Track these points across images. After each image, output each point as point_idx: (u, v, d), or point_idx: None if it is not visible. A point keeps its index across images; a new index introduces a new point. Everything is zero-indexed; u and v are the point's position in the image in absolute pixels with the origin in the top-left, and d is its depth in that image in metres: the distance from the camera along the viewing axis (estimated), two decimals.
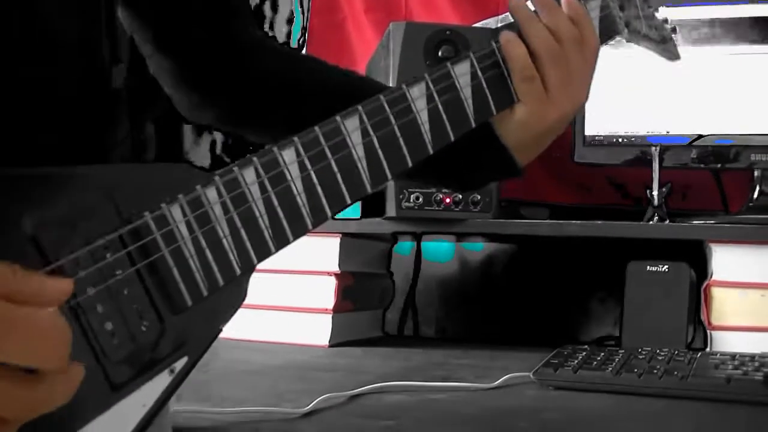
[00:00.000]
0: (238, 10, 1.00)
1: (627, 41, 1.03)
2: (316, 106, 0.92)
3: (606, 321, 1.61)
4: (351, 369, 1.30)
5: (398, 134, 0.79)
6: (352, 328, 1.61)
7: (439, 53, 1.56)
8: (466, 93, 0.84)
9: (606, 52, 1.61)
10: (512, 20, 0.90)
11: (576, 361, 1.16)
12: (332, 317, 1.53)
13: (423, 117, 0.81)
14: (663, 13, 1.06)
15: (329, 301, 1.54)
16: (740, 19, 1.55)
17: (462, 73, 0.84)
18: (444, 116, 0.82)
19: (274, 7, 2.10)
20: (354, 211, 1.60)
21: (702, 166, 1.58)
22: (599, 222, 1.46)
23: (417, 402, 1.06)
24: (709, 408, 1.03)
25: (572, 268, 1.63)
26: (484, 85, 0.85)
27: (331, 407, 1.02)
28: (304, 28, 2.06)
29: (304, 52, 2.00)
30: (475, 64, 0.85)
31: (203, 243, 0.66)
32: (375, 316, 1.74)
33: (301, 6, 2.08)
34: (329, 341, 1.52)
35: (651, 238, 1.46)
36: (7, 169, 0.59)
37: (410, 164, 0.80)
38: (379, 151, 0.77)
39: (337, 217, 1.69)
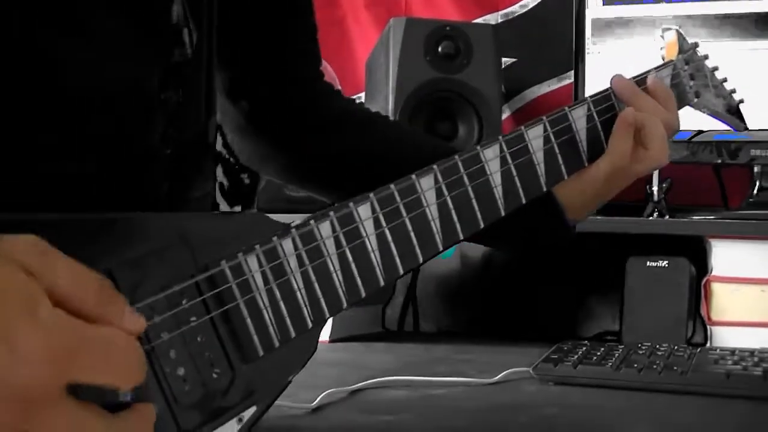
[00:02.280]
0: (312, 65, 1.01)
1: (694, 109, 1.04)
2: (381, 171, 0.93)
3: (606, 316, 1.61)
4: (352, 364, 1.31)
5: (471, 195, 0.79)
6: (352, 324, 1.61)
7: (439, 49, 1.56)
8: (539, 157, 0.85)
9: (609, 47, 1.62)
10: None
11: (576, 357, 1.16)
12: None
13: (496, 179, 0.81)
14: (731, 83, 1.07)
15: None
16: (742, 14, 1.55)
17: (535, 136, 0.85)
18: (516, 179, 0.83)
19: None
20: None
21: (702, 161, 1.58)
22: (599, 217, 1.45)
23: (418, 397, 1.06)
24: (709, 403, 1.03)
25: (572, 263, 1.63)
26: (557, 149, 0.86)
27: (334, 402, 1.03)
28: None
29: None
30: (548, 128, 0.86)
31: (278, 294, 0.66)
32: (375, 311, 1.74)
33: None
34: (330, 336, 1.52)
35: (651, 233, 1.46)
36: (87, 213, 0.59)
37: (482, 226, 0.80)
38: (453, 212, 0.77)
39: None
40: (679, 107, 0.98)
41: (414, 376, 1.14)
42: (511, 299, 1.71)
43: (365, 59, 1.85)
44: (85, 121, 0.68)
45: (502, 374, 1.15)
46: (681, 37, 1.03)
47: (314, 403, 1.01)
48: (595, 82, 1.62)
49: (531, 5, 1.90)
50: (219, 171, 2.09)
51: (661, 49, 1.03)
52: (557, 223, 0.91)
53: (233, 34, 0.92)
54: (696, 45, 1.04)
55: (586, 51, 1.63)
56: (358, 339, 1.56)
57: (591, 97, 0.91)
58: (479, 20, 1.90)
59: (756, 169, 1.56)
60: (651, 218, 1.52)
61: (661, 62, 1.01)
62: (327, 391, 1.03)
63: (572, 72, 1.67)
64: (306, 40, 1.00)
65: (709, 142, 1.56)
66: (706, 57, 1.05)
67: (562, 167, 0.87)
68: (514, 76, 1.87)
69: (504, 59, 1.78)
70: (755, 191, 1.56)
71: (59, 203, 0.64)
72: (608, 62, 1.62)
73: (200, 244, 0.63)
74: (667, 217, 1.52)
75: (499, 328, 1.68)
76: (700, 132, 1.55)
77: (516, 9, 1.91)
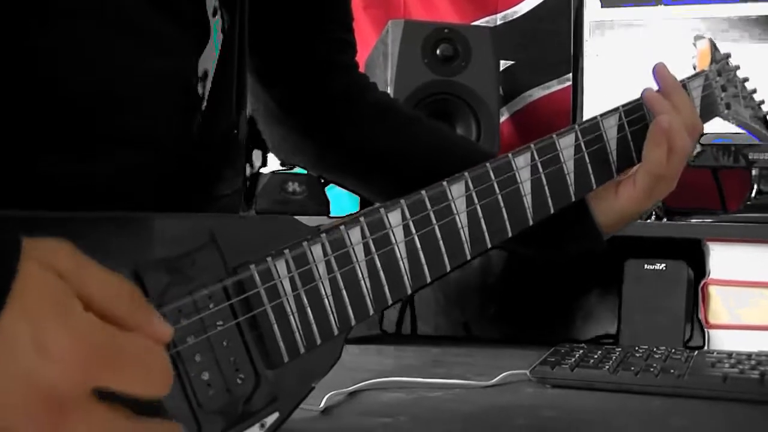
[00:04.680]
0: (348, 54, 0.99)
1: (722, 119, 1.03)
2: (401, 168, 0.93)
3: (603, 319, 1.61)
4: (349, 366, 1.29)
5: (501, 204, 0.78)
6: None
7: (437, 52, 1.56)
8: (569, 166, 0.84)
9: (607, 49, 1.62)
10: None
11: (573, 359, 1.16)
12: None
13: (526, 188, 0.81)
14: (760, 95, 1.07)
15: None
16: (740, 17, 1.55)
17: (566, 145, 0.84)
18: (546, 189, 0.82)
19: None
20: (352, 206, 1.60)
21: (700, 164, 1.58)
22: None
23: (414, 399, 1.06)
24: (706, 406, 1.03)
25: (569, 266, 1.62)
26: (587, 159, 0.86)
27: (335, 405, 1.02)
28: None
29: None
30: (580, 137, 0.85)
31: (305, 300, 0.66)
32: None
33: None
34: None
35: (649, 236, 1.45)
36: (118, 212, 0.59)
37: (510, 235, 0.79)
38: (482, 220, 0.77)
39: (334, 214, 1.69)
40: (709, 118, 0.98)
41: (411, 378, 1.14)
42: (508, 302, 1.71)
43: (363, 61, 1.85)
44: (116, 117, 0.67)
45: (500, 377, 1.14)
46: (714, 47, 1.03)
47: (321, 405, 1.00)
48: (593, 85, 1.62)
49: (529, 8, 1.90)
50: None
51: (693, 57, 1.02)
52: (590, 236, 0.91)
53: (268, 19, 0.91)
54: (728, 55, 1.03)
55: (585, 53, 1.63)
56: (355, 341, 1.55)
57: (623, 106, 0.91)
58: (478, 23, 1.90)
59: (754, 172, 1.56)
60: (649, 221, 1.52)
61: (692, 71, 1.00)
62: (329, 393, 1.03)
63: (570, 74, 1.67)
64: (342, 29, 0.99)
65: (707, 144, 1.56)
66: (737, 67, 1.04)
67: (592, 177, 0.86)
68: (512, 78, 1.87)
69: (502, 62, 1.78)
70: (753, 194, 1.56)
71: (87, 201, 0.64)
72: (607, 65, 1.62)
73: (230, 247, 0.63)
74: (665, 220, 1.52)
75: (496, 331, 1.68)
76: None
77: (514, 11, 1.91)
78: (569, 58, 1.66)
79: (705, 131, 1.51)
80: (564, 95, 1.80)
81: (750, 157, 1.55)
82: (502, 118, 1.82)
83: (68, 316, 0.47)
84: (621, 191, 0.90)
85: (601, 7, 1.63)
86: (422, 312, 1.79)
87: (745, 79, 1.05)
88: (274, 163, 1.66)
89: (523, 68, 1.89)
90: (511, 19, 1.92)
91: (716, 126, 1.52)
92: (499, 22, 1.91)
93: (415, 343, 1.57)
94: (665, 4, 1.59)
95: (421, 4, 1.95)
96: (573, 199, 0.85)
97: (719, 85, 1.00)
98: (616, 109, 0.90)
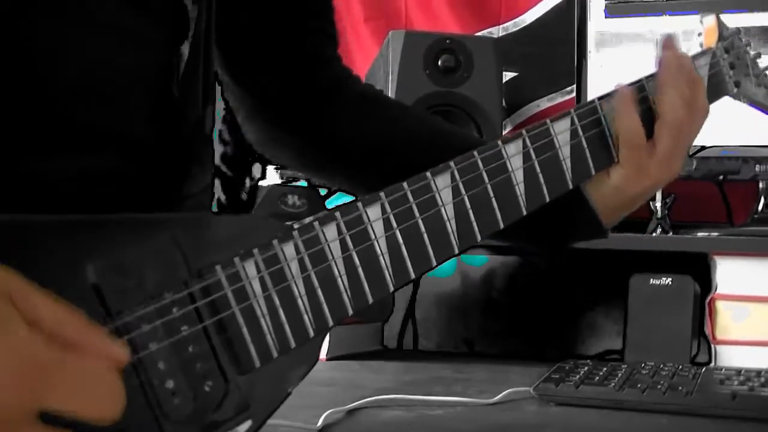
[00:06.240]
0: (331, 46, 0.97)
1: (733, 99, 0.99)
2: (391, 161, 0.90)
3: (608, 335, 1.58)
4: (349, 383, 1.29)
5: (491, 194, 0.75)
6: (350, 341, 1.58)
7: (439, 63, 1.55)
8: (565, 152, 0.80)
9: (611, 60, 1.60)
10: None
11: (578, 377, 1.13)
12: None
13: (518, 176, 0.77)
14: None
15: None
16: (748, 27, 1.53)
17: (561, 130, 0.80)
18: (540, 176, 0.78)
19: None
20: None
21: (706, 177, 1.56)
22: None
23: (414, 418, 1.04)
24: (714, 425, 1.00)
25: (574, 281, 1.60)
26: (585, 144, 0.82)
27: (333, 423, 1.00)
28: None
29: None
30: (576, 121, 0.82)
31: (277, 302, 0.63)
32: (374, 329, 1.71)
33: None
34: (326, 354, 1.50)
35: (654, 250, 1.44)
36: (76, 215, 0.57)
37: (502, 226, 0.76)
38: (470, 212, 0.73)
39: None
40: (717, 98, 0.95)
41: (411, 396, 1.12)
42: (512, 317, 1.69)
43: (365, 72, 1.83)
44: (82, 114, 0.66)
45: (502, 394, 1.12)
46: (721, 23, 0.98)
47: (319, 423, 0.98)
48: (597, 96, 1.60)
49: (533, 19, 1.88)
50: (218, 186, 2.08)
51: (699, 35, 0.98)
52: (593, 226, 0.87)
53: (246, 13, 0.89)
54: (737, 31, 0.99)
55: (589, 64, 1.62)
56: (356, 357, 1.54)
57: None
58: (480, 34, 1.88)
59: (761, 184, 1.54)
60: (654, 235, 1.50)
61: (699, 49, 0.97)
62: (327, 412, 1.01)
63: (574, 86, 1.66)
64: (324, 20, 0.96)
65: (713, 157, 1.54)
66: (748, 44, 1.00)
67: (590, 163, 0.82)
68: (515, 90, 1.85)
69: (505, 73, 1.76)
70: (760, 207, 1.54)
71: (53, 201, 0.62)
72: (610, 75, 1.60)
73: (194, 248, 0.60)
74: (670, 233, 1.50)
75: (499, 347, 1.66)
76: (703, 148, 1.53)
77: (517, 22, 1.89)
78: (573, 70, 1.65)
79: (710, 144, 1.51)
80: (568, 107, 1.77)
81: (756, 169, 1.53)
82: (505, 131, 1.81)
83: (9, 334, 0.46)
84: (612, 171, 0.85)
85: (606, 17, 1.61)
86: (424, 327, 1.77)
87: (757, 56, 1.00)
88: (273, 176, 1.64)
89: (527, 80, 1.87)
90: (514, 30, 1.90)
91: (723, 138, 1.51)
92: (502, 33, 1.90)
93: (417, 359, 1.56)
94: (670, 15, 1.58)
95: (423, 15, 1.94)
96: (570, 187, 0.81)
97: (727, 62, 0.96)
98: (614, 92, 0.87)
